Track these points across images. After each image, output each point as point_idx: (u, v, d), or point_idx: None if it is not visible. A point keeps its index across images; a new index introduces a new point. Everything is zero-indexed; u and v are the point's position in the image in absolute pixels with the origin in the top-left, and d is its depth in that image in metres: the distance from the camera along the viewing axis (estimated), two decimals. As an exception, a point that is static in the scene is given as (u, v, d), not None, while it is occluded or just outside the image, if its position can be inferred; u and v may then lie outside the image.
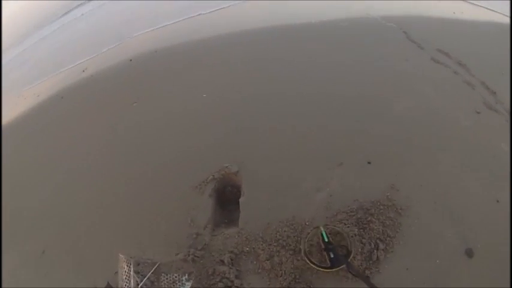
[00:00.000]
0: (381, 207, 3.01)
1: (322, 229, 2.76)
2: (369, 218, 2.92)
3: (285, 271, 2.74)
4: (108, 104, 5.08)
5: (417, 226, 3.04)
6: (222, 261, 2.88)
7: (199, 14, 6.93)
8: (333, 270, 2.60)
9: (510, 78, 3.73)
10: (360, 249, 2.76)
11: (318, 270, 2.67)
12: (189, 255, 2.95)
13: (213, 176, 3.45)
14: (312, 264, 2.67)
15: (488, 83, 4.58)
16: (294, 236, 2.90)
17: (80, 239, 3.51)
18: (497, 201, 3.34)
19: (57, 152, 4.69)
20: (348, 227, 2.87)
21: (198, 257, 2.97)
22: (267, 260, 2.82)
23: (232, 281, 2.76)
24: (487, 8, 6.12)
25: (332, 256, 2.59)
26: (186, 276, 2.83)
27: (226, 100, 4.47)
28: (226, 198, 3.46)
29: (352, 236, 2.78)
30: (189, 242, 3.09)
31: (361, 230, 2.87)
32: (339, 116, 4.08)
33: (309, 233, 2.85)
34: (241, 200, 3.25)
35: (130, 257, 2.88)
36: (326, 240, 2.68)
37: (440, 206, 3.20)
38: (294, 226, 2.97)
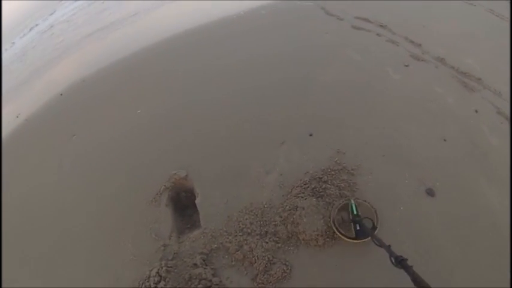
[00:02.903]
0: (332, 172, 3.09)
1: (352, 202, 2.78)
2: (324, 186, 2.98)
3: (257, 256, 2.75)
4: (49, 142, 4.84)
5: (373, 181, 3.14)
6: (195, 264, 2.84)
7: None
8: (358, 241, 2.66)
9: (510, 76, 3.88)
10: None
11: (344, 240, 2.70)
12: (162, 268, 2.87)
13: (165, 185, 3.40)
14: (339, 234, 2.70)
15: (411, 37, 4.83)
16: (257, 221, 2.93)
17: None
18: (444, 140, 3.51)
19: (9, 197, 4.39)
20: (306, 198, 2.89)
21: (171, 267, 2.91)
22: (237, 251, 2.82)
23: (210, 280, 2.74)
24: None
25: (358, 228, 2.63)
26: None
27: (159, 110, 4.42)
28: (183, 204, 3.42)
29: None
30: (159, 255, 3.03)
31: (319, 199, 2.91)
32: (272, 99, 4.14)
33: (340, 204, 2.85)
34: (197, 201, 3.22)
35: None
36: (355, 212, 2.72)
37: (389, 157, 3.32)
38: (253, 212, 2.99)
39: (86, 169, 4.15)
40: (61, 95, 5.69)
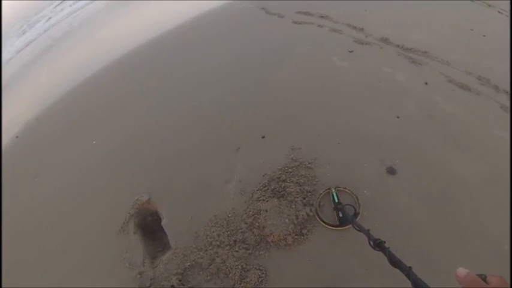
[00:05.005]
0: (290, 170, 3.12)
1: (333, 190, 2.89)
2: (283, 185, 3.01)
3: (231, 267, 2.76)
4: (13, 188, 4.69)
5: (331, 171, 3.17)
6: (173, 286, 2.83)
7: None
8: (341, 228, 2.73)
9: (510, 73, 3.87)
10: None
11: (328, 228, 2.77)
12: (141, 296, 2.84)
13: (129, 213, 3.36)
14: (323, 223, 2.78)
15: (353, 23, 4.93)
16: (224, 232, 2.93)
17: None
18: (398, 117, 3.58)
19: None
20: (267, 201, 2.91)
21: (149, 293, 2.88)
22: (211, 265, 2.82)
23: (190, 299, 2.72)
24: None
25: (341, 215, 2.73)
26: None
27: (114, 138, 4.41)
28: (151, 229, 3.39)
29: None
30: (137, 284, 2.99)
31: (281, 198, 2.94)
32: (222, 109, 4.20)
33: (321, 194, 2.93)
34: (163, 223, 3.20)
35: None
36: (336, 200, 2.81)
37: (345, 142, 3.37)
38: (219, 223, 2.99)
39: (51, 209, 4.03)
40: (17, 137, 5.53)
